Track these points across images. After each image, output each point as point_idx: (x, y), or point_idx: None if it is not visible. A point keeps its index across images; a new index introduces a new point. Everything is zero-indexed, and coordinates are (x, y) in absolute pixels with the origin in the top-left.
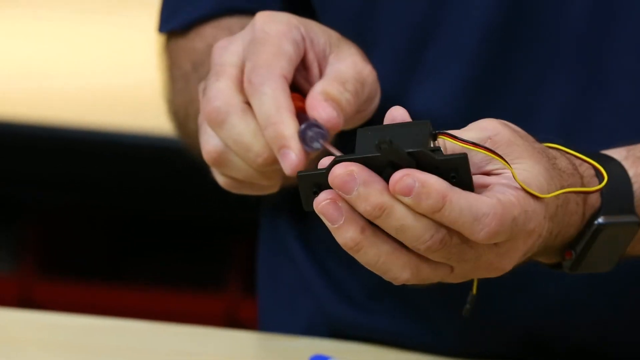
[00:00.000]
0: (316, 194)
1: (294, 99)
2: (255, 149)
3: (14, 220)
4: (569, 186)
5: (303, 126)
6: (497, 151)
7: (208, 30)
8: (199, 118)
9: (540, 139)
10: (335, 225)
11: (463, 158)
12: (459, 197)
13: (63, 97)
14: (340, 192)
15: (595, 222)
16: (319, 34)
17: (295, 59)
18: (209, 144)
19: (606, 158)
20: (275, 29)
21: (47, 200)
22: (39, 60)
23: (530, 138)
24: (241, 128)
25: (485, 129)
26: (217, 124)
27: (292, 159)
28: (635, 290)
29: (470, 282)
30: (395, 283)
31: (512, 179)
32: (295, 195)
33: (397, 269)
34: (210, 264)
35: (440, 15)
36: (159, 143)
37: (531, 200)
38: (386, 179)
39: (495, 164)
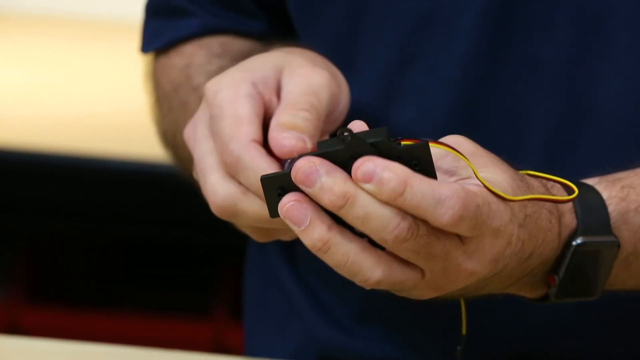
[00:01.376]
0: (281, 196)
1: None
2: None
3: (1, 246)
4: (540, 204)
5: (286, 165)
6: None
7: (187, 48)
8: (194, 174)
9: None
10: (302, 227)
11: (424, 146)
12: (420, 181)
13: (51, 123)
14: (303, 187)
15: (574, 242)
16: (267, 69)
17: (256, 115)
18: (216, 198)
19: (578, 182)
20: (225, 97)
21: (35, 227)
22: (27, 86)
23: (494, 155)
24: (255, 209)
25: (447, 142)
26: (232, 216)
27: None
28: (625, 311)
29: (457, 309)
30: (367, 286)
31: (476, 180)
32: None
33: (367, 268)
34: (196, 290)
35: (424, 39)
36: (146, 170)
37: (495, 198)
38: (349, 172)
39: (460, 174)
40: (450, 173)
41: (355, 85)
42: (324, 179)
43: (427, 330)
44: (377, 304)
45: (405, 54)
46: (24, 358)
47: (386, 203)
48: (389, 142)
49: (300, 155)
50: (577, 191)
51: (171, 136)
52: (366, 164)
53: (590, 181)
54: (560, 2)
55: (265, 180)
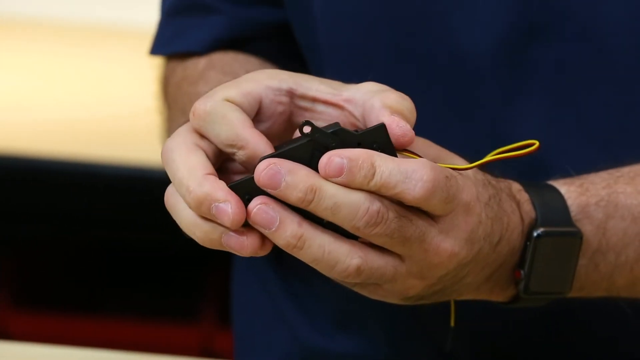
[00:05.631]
0: (249, 201)
1: None
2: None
3: None
4: (499, 189)
5: None
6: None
7: (212, 75)
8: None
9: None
10: (273, 228)
11: (381, 127)
12: (385, 160)
13: (38, 129)
14: (269, 190)
15: (535, 233)
16: (310, 79)
17: (254, 96)
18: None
19: (536, 183)
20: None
21: (22, 233)
22: (14, 92)
23: (461, 158)
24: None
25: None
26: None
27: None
28: (602, 310)
29: (438, 310)
30: (347, 277)
31: None
32: None
33: (344, 256)
34: (185, 295)
35: (413, 39)
36: (135, 175)
37: (458, 174)
38: (313, 168)
39: None
40: None
41: (334, 76)
42: (287, 178)
43: (410, 333)
44: (357, 309)
45: (394, 54)
46: None
47: (357, 189)
48: (347, 130)
49: (261, 158)
50: (537, 143)
51: None
52: (333, 159)
53: (550, 182)
54: (553, 8)
55: (231, 188)
